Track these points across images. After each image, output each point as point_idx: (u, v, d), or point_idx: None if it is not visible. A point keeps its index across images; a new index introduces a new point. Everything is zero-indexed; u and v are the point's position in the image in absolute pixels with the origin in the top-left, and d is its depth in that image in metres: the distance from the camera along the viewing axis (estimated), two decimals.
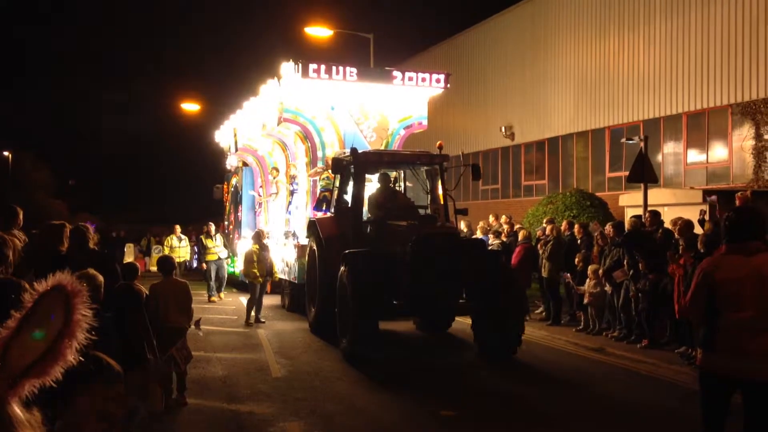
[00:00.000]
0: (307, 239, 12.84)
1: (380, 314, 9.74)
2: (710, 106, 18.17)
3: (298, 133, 14.86)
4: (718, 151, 18.25)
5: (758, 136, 16.41)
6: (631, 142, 16.35)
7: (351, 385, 8.62)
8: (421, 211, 11.67)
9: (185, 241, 18.40)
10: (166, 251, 17.64)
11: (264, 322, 13.15)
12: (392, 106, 14.74)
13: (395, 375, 9.17)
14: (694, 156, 18.88)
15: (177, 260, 16.64)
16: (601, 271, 11.71)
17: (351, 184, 11.89)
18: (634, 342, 10.87)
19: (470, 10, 40.52)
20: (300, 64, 13.36)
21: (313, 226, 12.31)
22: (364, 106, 14.55)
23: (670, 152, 19.53)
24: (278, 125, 14.76)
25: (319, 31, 22.92)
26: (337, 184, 12.43)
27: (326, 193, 13.35)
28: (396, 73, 14.12)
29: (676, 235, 10.55)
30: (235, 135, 18.61)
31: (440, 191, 12.13)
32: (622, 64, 21.10)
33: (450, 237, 10.32)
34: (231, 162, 21.12)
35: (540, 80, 24.66)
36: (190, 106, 33.72)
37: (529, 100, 25.06)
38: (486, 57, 27.93)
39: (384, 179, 11.97)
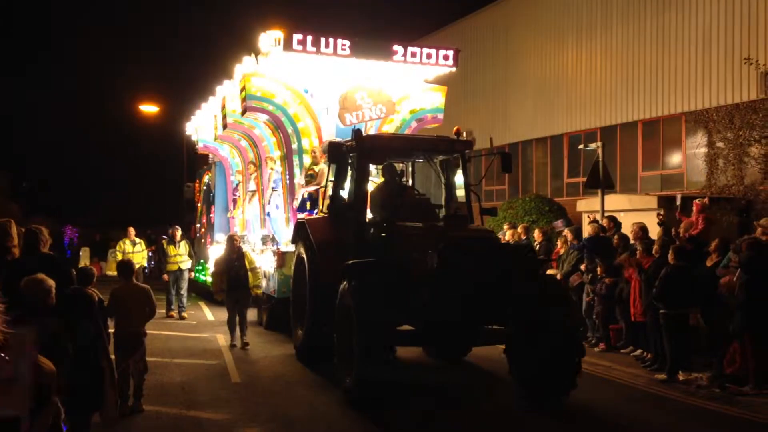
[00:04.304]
0: (293, 245, 10.89)
1: (395, 344, 7.66)
2: (664, 114, 18.60)
3: (267, 124, 13.24)
4: (673, 158, 18.70)
5: (711, 144, 16.85)
6: (588, 148, 16.64)
7: (313, 390, 8.55)
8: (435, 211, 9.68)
9: (140, 245, 16.10)
10: (119, 256, 15.27)
11: (247, 345, 11.07)
12: (401, 88, 13.13)
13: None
14: (649, 162, 19.30)
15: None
16: (559, 276, 11.88)
17: (349, 176, 9.89)
18: (593, 345, 11.06)
19: (430, 17, 40.89)
20: (282, 35, 11.61)
21: (302, 229, 10.15)
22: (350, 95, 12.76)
23: (626, 159, 19.93)
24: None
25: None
26: (332, 176, 10.02)
27: (311, 191, 11.91)
28: (397, 48, 12.29)
29: (632, 240, 10.79)
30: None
31: (461, 186, 10.04)
32: (580, 72, 21.47)
33: (488, 242, 8.28)
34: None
35: (500, 86, 24.95)
36: (149, 107, 33.02)
37: (489, 106, 25.31)
38: None
39: (389, 171, 10.03)
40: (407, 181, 10.94)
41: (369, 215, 9.85)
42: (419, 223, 8.64)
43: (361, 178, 9.47)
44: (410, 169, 11.29)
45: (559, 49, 22.37)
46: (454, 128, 9.90)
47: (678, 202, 12.49)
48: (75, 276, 6.34)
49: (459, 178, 10.02)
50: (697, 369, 9.06)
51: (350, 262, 8.22)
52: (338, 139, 11.08)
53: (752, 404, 7.84)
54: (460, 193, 10.03)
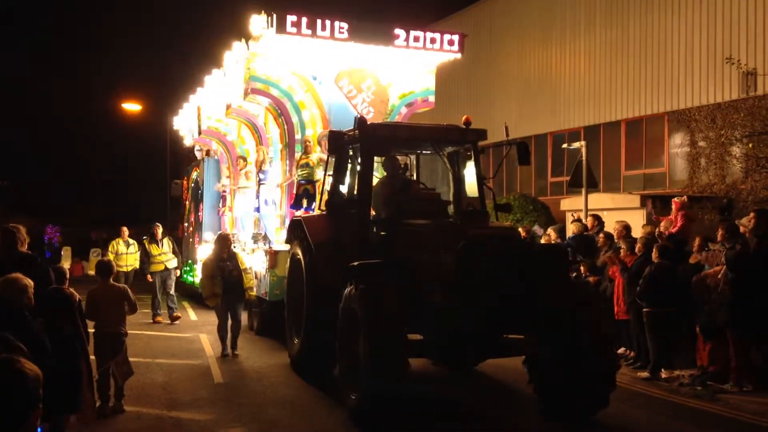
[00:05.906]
0: (288, 244, 10.06)
1: (408, 356, 6.65)
2: (647, 114, 18.73)
3: (270, 109, 12.31)
4: (655, 157, 18.83)
5: (693, 143, 16.99)
6: (572, 147, 16.71)
7: (296, 389, 8.50)
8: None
9: (134, 247, 14.91)
10: (111, 257, 13.79)
11: (237, 356, 10.23)
12: (392, 73, 12.30)
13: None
14: (632, 162, 19.43)
15: (125, 269, 14.23)
16: None
17: (349, 170, 9.14)
18: None
19: (411, 17, 40.77)
20: (274, 16, 10.83)
21: (298, 227, 9.30)
22: (354, 74, 11.99)
23: (609, 158, 20.05)
24: (245, 98, 12.16)
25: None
26: (331, 170, 9.18)
27: (307, 186, 11.09)
28: (398, 32, 11.47)
29: (616, 239, 10.83)
30: (198, 115, 15.11)
31: (472, 180, 9.06)
32: (564, 72, 21.57)
33: (515, 241, 7.53)
34: (194, 146, 18.30)
35: (484, 86, 25.00)
36: (132, 105, 32.55)
37: (473, 105, 25.34)
38: None
39: (392, 164, 9.19)
40: (411, 174, 9.98)
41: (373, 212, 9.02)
42: (428, 221, 7.88)
43: (366, 171, 8.56)
44: (414, 162, 10.30)
45: (542, 48, 22.46)
46: (464, 117, 9.00)
47: (651, 208, 12.61)
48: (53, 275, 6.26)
49: (470, 171, 9.11)
50: (679, 366, 9.11)
51: (356, 263, 7.32)
52: (324, 132, 10.41)
53: (733, 402, 7.90)
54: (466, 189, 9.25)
